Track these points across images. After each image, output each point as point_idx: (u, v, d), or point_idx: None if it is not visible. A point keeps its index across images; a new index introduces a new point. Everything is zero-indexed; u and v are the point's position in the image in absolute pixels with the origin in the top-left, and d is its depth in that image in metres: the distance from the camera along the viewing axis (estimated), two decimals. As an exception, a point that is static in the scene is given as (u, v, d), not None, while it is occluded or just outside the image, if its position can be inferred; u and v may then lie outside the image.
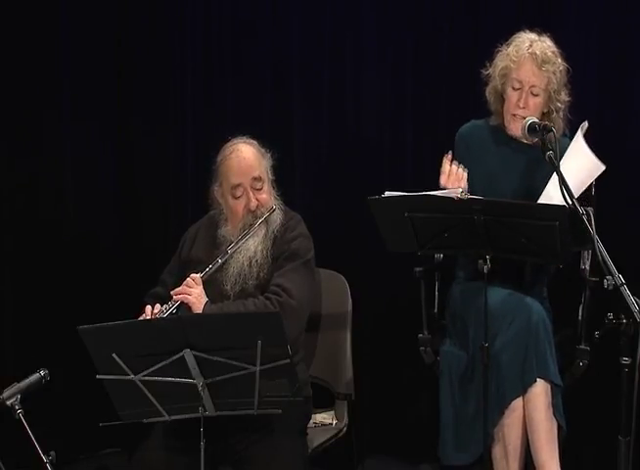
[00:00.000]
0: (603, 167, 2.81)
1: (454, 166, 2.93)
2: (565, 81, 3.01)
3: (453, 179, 2.91)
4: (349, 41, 3.77)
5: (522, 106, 2.98)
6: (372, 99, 3.77)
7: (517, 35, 3.03)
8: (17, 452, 2.73)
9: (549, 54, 2.97)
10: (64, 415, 3.73)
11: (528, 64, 2.96)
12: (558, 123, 3.00)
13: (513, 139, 3.06)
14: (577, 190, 2.73)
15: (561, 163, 2.69)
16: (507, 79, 3.01)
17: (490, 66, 3.07)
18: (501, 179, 3.03)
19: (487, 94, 3.10)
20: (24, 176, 3.77)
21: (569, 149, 2.84)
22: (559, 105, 3.01)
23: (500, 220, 2.54)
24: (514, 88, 2.99)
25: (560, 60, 2.99)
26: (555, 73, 2.97)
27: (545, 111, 3.02)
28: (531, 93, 2.97)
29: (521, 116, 2.98)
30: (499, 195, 2.93)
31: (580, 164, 2.80)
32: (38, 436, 2.30)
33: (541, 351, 2.76)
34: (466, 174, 2.93)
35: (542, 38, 3.01)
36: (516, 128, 3.01)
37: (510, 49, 3.01)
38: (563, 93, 3.01)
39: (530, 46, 2.97)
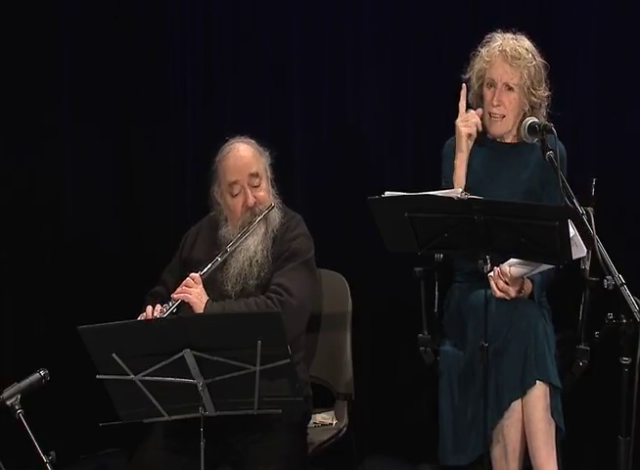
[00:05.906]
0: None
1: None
2: (542, 77, 3.01)
3: (464, 117, 3.01)
4: (349, 41, 3.76)
5: (495, 103, 2.99)
6: (372, 99, 3.77)
7: (490, 36, 3.05)
8: (17, 452, 2.73)
9: (520, 50, 2.97)
10: (64, 415, 3.73)
11: (499, 61, 2.97)
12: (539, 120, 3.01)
13: (495, 141, 3.07)
14: None
15: None
16: (483, 80, 3.04)
17: (469, 69, 3.09)
18: (488, 182, 3.03)
19: (470, 101, 3.11)
20: (25, 177, 3.76)
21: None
22: (535, 100, 3.00)
23: (500, 220, 2.53)
24: (488, 87, 3.02)
25: (533, 56, 2.99)
26: (528, 68, 2.97)
27: (526, 109, 3.02)
28: (506, 87, 2.98)
29: (498, 115, 3.01)
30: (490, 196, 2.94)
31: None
32: (38, 436, 2.30)
33: (541, 352, 2.75)
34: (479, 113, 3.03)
35: (517, 37, 3.02)
36: (495, 129, 3.04)
37: (483, 50, 3.03)
38: (541, 89, 3.00)
39: (501, 44, 2.99)
